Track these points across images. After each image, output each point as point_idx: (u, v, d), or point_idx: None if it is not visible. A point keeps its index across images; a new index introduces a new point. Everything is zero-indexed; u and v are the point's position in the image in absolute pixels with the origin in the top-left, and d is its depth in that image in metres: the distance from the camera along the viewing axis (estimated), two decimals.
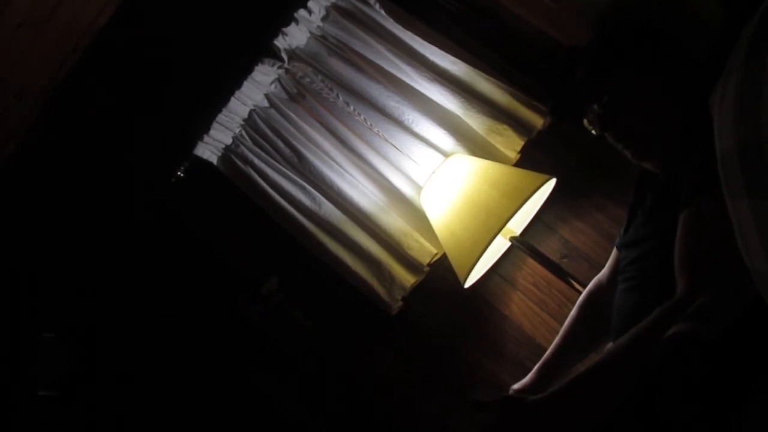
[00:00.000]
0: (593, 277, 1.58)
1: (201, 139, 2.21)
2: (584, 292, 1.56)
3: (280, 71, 2.17)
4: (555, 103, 1.44)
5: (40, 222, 2.21)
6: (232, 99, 2.19)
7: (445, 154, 1.92)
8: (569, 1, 1.45)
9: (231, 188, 2.21)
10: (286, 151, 2.14)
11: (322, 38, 2.12)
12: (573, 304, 1.59)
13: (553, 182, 1.74)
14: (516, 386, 1.53)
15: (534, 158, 1.88)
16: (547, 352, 1.56)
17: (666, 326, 1.00)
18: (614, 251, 1.51)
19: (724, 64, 0.71)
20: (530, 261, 1.84)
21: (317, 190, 2.10)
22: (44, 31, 1.87)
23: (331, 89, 2.10)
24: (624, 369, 1.03)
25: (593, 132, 1.31)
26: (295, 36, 2.14)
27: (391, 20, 2.01)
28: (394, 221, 1.99)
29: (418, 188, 1.93)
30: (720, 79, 0.70)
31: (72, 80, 2.01)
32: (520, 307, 1.87)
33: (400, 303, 1.98)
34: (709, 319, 0.91)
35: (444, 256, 1.92)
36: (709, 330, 0.89)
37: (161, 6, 2.15)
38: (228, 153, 2.23)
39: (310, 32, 2.13)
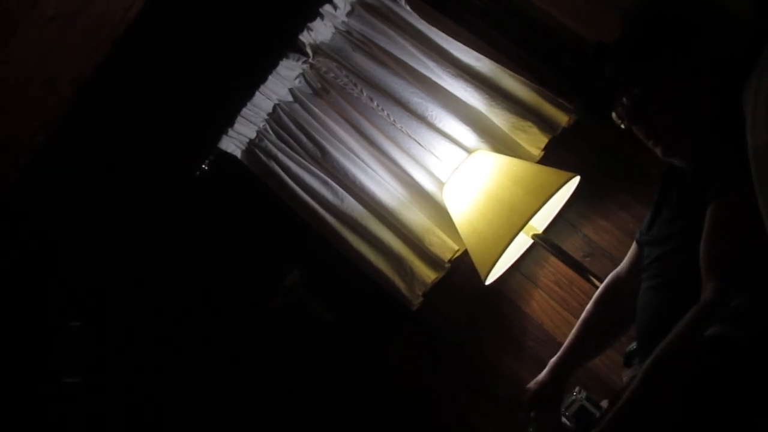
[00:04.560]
0: None
1: (225, 132, 2.23)
2: (601, 287, 1.54)
3: (305, 66, 2.18)
4: (583, 96, 1.43)
5: (67, 212, 2.24)
6: (257, 93, 2.20)
7: (468, 151, 1.91)
8: None
9: (255, 182, 2.23)
10: (310, 145, 2.15)
11: (346, 33, 2.13)
12: None
13: (576, 180, 1.73)
14: (532, 384, 1.52)
15: (558, 156, 1.87)
16: (562, 348, 1.54)
17: (701, 330, 0.99)
18: (633, 245, 1.50)
19: (758, 59, 0.70)
20: (552, 259, 1.83)
21: (340, 185, 2.11)
22: (75, 23, 1.90)
23: (355, 84, 2.11)
24: (666, 383, 1.02)
25: (621, 126, 1.29)
26: (320, 31, 2.15)
27: (416, 16, 2.01)
28: (415, 217, 1.99)
29: (441, 184, 1.93)
30: (753, 73, 0.69)
31: (102, 73, 2.04)
32: (541, 305, 1.86)
33: (421, 299, 1.98)
34: (744, 319, 0.90)
35: (465, 253, 1.92)
36: (745, 330, 0.88)
37: (191, 1, 2.17)
38: (252, 147, 2.25)
39: (335, 27, 2.14)
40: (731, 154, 1.00)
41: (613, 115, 1.29)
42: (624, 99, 1.25)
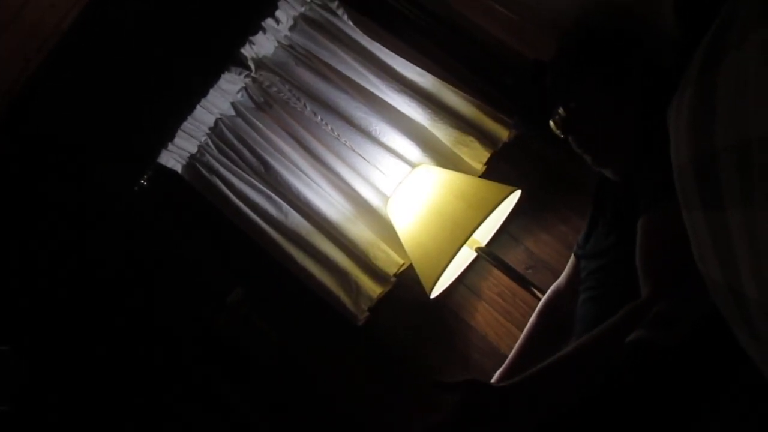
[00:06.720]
0: None
1: (165, 147, 2.18)
2: (543, 300, 1.59)
3: (247, 80, 2.15)
4: (522, 109, 1.47)
5: None
6: (198, 107, 2.16)
7: (412, 165, 1.93)
8: (535, 15, 1.48)
9: (196, 197, 2.18)
10: (252, 160, 2.12)
11: (289, 48, 2.11)
12: None
13: (518, 194, 1.76)
14: None
15: (500, 170, 1.90)
16: (507, 360, 1.57)
17: (630, 326, 1.02)
18: (572, 258, 1.54)
19: (681, 77, 0.73)
20: (495, 271, 1.86)
21: (284, 200, 2.08)
22: (7, 33, 1.83)
23: (298, 99, 2.09)
24: (587, 363, 1.04)
25: (557, 134, 1.33)
26: (262, 45, 2.13)
27: (359, 31, 2.02)
28: (360, 231, 1.99)
29: (385, 198, 1.93)
30: (676, 93, 0.72)
31: (34, 84, 1.96)
32: (485, 317, 1.87)
33: (367, 313, 1.97)
34: (668, 326, 0.93)
35: (410, 267, 1.92)
36: (669, 336, 0.91)
37: (127, 12, 2.12)
38: (193, 161, 2.20)
39: (278, 41, 2.13)
40: (660, 169, 1.04)
41: (551, 123, 1.33)
42: (560, 110, 1.29)
